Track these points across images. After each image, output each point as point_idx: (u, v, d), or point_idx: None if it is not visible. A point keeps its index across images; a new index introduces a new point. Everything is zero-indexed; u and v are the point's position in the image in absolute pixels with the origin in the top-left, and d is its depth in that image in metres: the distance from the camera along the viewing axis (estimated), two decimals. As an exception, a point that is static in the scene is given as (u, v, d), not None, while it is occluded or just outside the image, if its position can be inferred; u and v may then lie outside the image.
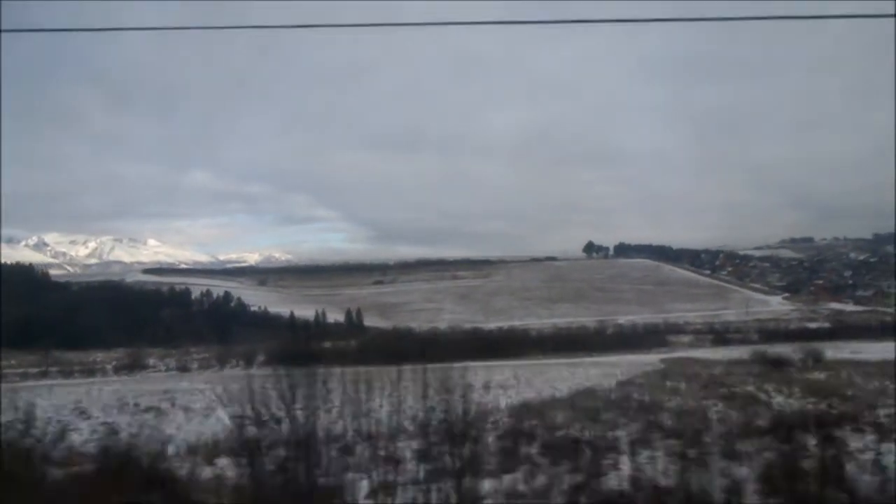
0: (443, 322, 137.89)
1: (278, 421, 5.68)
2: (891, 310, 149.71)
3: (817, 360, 41.69)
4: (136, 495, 5.73)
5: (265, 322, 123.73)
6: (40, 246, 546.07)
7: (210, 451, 9.44)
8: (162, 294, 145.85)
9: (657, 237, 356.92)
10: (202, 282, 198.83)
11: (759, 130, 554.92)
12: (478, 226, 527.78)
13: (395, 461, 5.31)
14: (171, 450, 9.21)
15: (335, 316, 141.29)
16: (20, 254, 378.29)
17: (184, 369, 63.85)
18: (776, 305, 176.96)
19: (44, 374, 52.82)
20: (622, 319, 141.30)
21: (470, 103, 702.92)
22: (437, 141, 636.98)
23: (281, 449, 5.51)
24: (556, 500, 5.83)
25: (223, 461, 7.70)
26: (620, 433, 9.96)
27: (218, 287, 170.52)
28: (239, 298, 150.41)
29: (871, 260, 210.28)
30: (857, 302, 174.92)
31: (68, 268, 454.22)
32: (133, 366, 63.50)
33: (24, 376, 49.96)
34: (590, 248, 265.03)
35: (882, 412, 16.05)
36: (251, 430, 5.64)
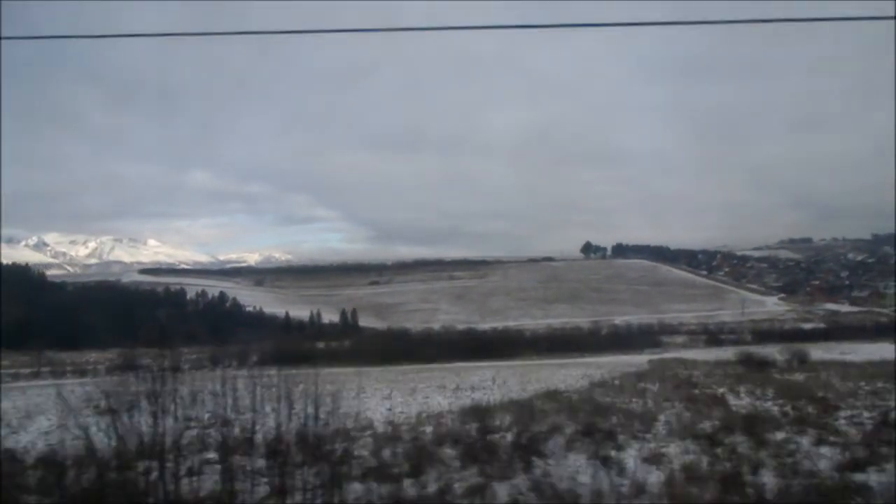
0: (438, 322, 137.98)
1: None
2: (886, 310, 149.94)
3: (802, 362, 41.66)
4: None
5: (260, 322, 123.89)
6: (40, 246, 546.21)
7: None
8: (157, 294, 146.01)
9: (657, 237, 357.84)
10: (199, 282, 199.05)
11: (758, 131, 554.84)
12: (477, 226, 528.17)
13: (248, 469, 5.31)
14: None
15: (330, 316, 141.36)
16: (20, 254, 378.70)
17: (175, 370, 63.96)
18: (772, 306, 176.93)
19: (35, 375, 52.89)
20: (617, 320, 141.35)
21: (470, 103, 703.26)
22: (437, 141, 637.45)
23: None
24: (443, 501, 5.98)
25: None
26: (555, 436, 10.05)
27: (214, 287, 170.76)
28: (234, 299, 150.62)
29: (869, 260, 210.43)
30: (853, 302, 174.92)
31: (68, 268, 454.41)
32: (125, 366, 63.62)
33: (16, 377, 50.01)
34: (587, 248, 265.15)
35: (843, 414, 16.15)
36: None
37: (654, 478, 6.96)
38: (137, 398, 6.45)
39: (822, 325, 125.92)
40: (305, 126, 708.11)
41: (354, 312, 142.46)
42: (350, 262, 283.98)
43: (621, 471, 7.34)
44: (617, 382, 24.81)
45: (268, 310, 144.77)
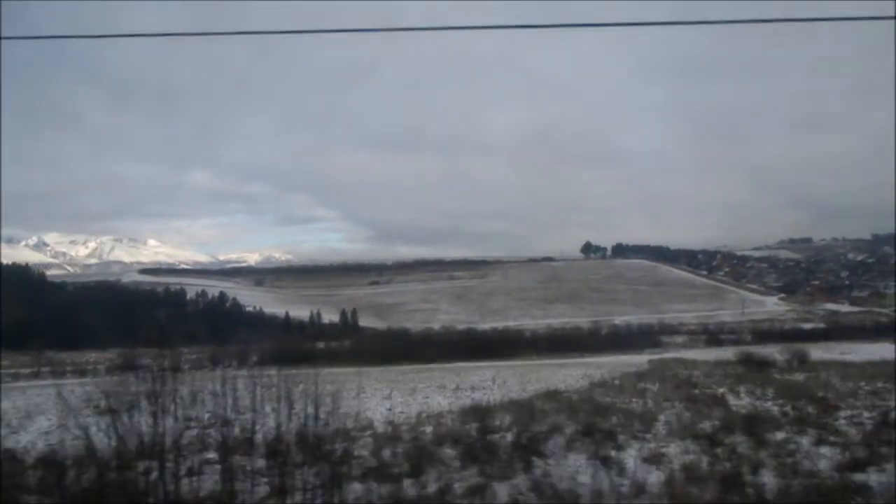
0: (438, 322, 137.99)
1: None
2: (886, 310, 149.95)
3: (802, 362, 41.67)
4: None
5: (260, 322, 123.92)
6: (40, 246, 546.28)
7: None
8: (157, 294, 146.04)
9: (657, 237, 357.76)
10: (199, 282, 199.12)
11: (758, 131, 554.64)
12: (477, 226, 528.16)
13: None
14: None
15: (330, 316, 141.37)
16: (20, 254, 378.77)
17: (175, 370, 64.00)
18: (771, 306, 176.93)
19: (35, 375, 52.91)
20: (617, 320, 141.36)
21: (470, 103, 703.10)
22: (437, 141, 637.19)
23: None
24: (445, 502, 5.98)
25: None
26: (555, 436, 10.05)
27: (214, 287, 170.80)
28: (234, 299, 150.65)
29: (869, 260, 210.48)
30: (853, 302, 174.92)
31: (68, 268, 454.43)
32: (124, 366, 63.64)
33: (16, 377, 50.02)
34: (587, 248, 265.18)
35: (843, 414, 16.16)
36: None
37: (655, 478, 6.96)
38: (137, 398, 6.45)
39: (821, 326, 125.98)
40: (305, 126, 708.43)
41: (354, 312, 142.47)
42: (350, 262, 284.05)
43: (621, 471, 7.35)
44: (617, 382, 24.82)
45: (268, 310, 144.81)
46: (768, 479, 7.17)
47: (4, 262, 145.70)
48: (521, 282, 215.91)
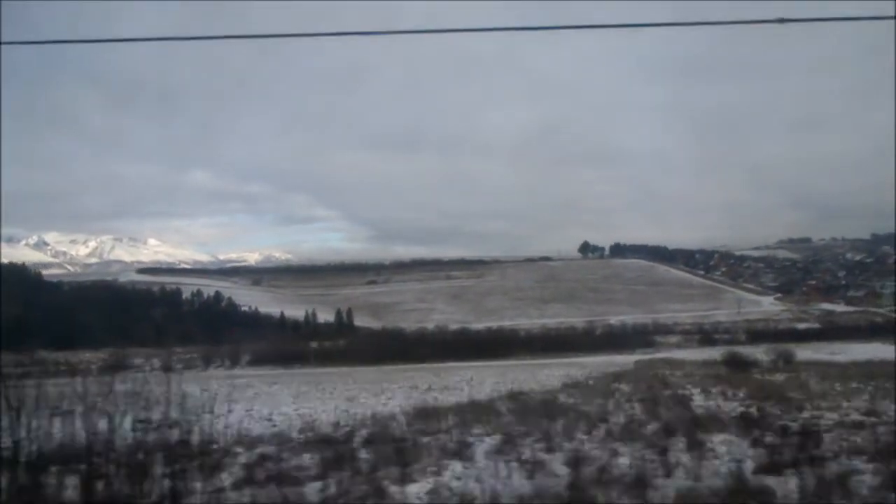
0: (433, 322, 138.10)
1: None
2: (882, 310, 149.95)
3: (787, 362, 41.81)
4: None
5: (255, 322, 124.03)
6: (40, 245, 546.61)
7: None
8: (153, 294, 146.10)
9: (657, 237, 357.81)
10: (197, 282, 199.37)
11: (758, 131, 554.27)
12: (477, 226, 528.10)
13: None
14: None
15: (326, 316, 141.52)
16: (20, 253, 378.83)
17: (167, 369, 64.13)
18: (767, 306, 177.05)
19: (26, 375, 52.98)
20: (613, 320, 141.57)
21: (470, 103, 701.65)
22: (437, 141, 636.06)
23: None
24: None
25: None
26: (490, 437, 10.11)
27: (211, 287, 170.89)
28: (230, 298, 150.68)
29: (867, 260, 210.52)
30: (849, 302, 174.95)
31: (68, 267, 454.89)
32: (117, 366, 63.74)
33: (7, 377, 50.12)
34: (585, 248, 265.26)
35: (805, 415, 16.20)
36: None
37: (562, 480, 7.01)
38: (88, 399, 6.36)
39: (816, 325, 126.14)
40: (305, 126, 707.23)
41: (350, 312, 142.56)
42: (348, 262, 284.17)
43: (533, 473, 7.39)
44: (591, 383, 24.88)
45: (263, 309, 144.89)
46: (679, 481, 7.21)
47: (3, 261, 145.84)
48: (517, 281, 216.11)
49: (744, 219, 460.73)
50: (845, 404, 18.27)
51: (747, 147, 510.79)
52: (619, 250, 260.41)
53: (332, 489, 6.60)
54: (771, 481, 7.20)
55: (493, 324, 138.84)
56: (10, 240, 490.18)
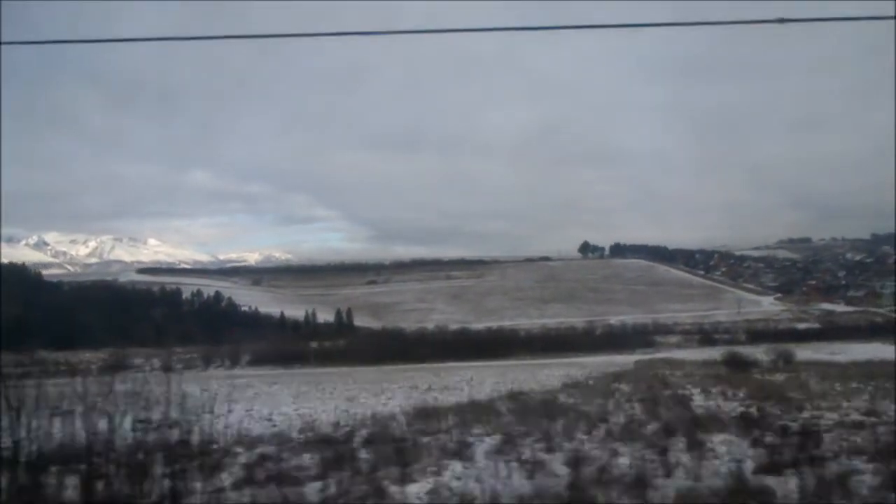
0: (432, 322, 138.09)
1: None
2: (882, 310, 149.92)
3: (787, 362, 41.81)
4: None
5: (255, 322, 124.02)
6: (40, 245, 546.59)
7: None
8: (153, 294, 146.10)
9: (657, 237, 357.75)
10: (196, 281, 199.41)
11: (758, 131, 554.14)
12: (477, 226, 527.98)
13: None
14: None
15: (326, 316, 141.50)
16: (20, 253, 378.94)
17: (167, 369, 64.14)
18: (767, 306, 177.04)
19: (26, 375, 52.98)
20: (613, 320, 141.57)
21: (470, 103, 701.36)
22: (437, 141, 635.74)
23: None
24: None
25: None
26: (490, 437, 10.12)
27: (211, 287, 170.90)
28: (230, 298, 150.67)
29: (867, 260, 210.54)
30: (849, 302, 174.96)
31: (68, 267, 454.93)
32: (117, 366, 63.76)
33: (7, 377, 50.12)
34: (585, 248, 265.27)
35: (805, 415, 16.20)
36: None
37: (562, 480, 7.01)
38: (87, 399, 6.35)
39: (816, 325, 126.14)
40: (305, 126, 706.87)
41: (350, 312, 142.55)
42: (348, 262, 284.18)
43: (533, 473, 7.39)
44: (591, 383, 24.87)
45: (263, 309, 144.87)
46: (679, 481, 7.21)
47: (3, 261, 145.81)
48: (517, 281, 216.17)
49: (744, 219, 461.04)
50: (845, 404, 18.25)
51: (747, 147, 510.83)
52: (619, 250, 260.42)
53: (332, 489, 6.62)
54: (771, 481, 7.19)
55: (493, 324, 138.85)
56: (10, 240, 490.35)
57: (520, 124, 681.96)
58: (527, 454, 8.64)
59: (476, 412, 13.54)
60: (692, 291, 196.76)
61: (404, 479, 6.95)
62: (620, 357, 65.71)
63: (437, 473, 7.42)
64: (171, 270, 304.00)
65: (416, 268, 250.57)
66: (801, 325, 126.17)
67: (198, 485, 5.57)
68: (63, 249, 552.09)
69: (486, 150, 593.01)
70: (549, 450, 9.17)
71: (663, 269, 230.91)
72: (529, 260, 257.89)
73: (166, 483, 5.35)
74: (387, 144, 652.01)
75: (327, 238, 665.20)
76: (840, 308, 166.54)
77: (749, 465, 8.23)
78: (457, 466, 7.81)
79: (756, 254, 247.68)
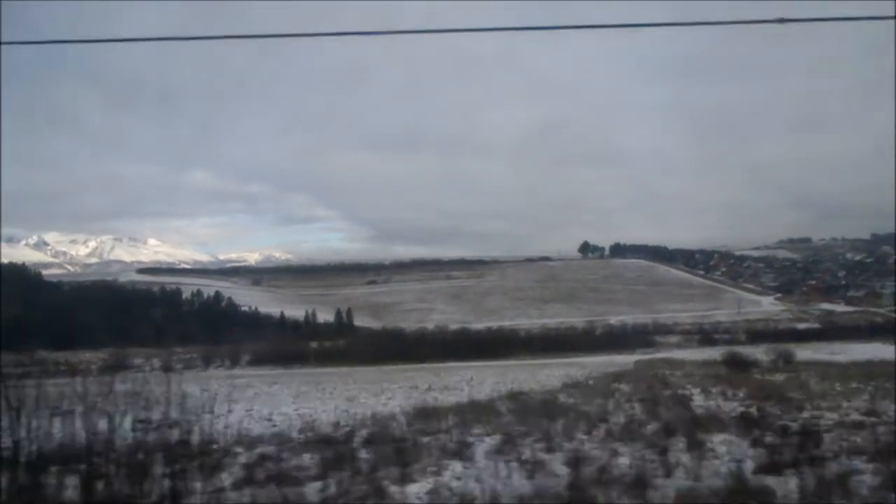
0: (432, 322, 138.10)
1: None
2: (882, 310, 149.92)
3: (787, 362, 41.82)
4: None
5: (255, 322, 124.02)
6: (40, 245, 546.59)
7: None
8: (153, 294, 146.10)
9: (657, 237, 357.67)
10: (197, 281, 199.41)
11: (758, 131, 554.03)
12: (477, 226, 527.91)
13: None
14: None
15: (326, 316, 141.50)
16: (20, 253, 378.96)
17: (167, 369, 64.14)
18: (767, 306, 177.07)
19: (26, 375, 52.98)
20: (613, 320, 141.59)
21: (470, 103, 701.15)
22: (437, 141, 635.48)
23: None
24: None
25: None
26: (491, 437, 10.12)
27: (211, 287, 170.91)
28: (230, 298, 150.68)
29: (867, 260, 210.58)
30: (849, 302, 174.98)
31: (68, 267, 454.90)
32: (117, 366, 63.76)
33: (7, 377, 50.13)
34: (585, 248, 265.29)
35: (805, 415, 16.20)
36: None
37: (562, 480, 7.01)
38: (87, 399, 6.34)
39: (816, 325, 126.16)
40: (305, 126, 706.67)
41: (350, 312, 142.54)
42: (348, 262, 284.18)
43: (533, 473, 7.39)
44: (591, 383, 24.87)
45: (263, 309, 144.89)
46: (679, 481, 7.21)
47: (3, 261, 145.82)
48: (517, 281, 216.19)
49: (744, 219, 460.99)
50: (845, 404, 18.24)
51: (747, 147, 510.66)
52: (619, 250, 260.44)
53: (332, 489, 6.63)
54: (771, 481, 7.19)
55: (493, 324, 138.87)
56: (10, 240, 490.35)
57: (520, 124, 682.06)
58: (527, 454, 8.65)
59: (476, 412, 13.54)
60: (692, 291, 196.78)
61: (404, 479, 6.96)
62: (620, 357, 65.70)
63: (437, 473, 7.43)
64: (171, 270, 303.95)
65: (416, 268, 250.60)
66: (801, 325, 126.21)
67: (198, 485, 5.58)
68: (63, 249, 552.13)
69: (486, 150, 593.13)
70: (549, 450, 9.17)
71: (663, 269, 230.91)
72: (529, 260, 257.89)
73: (166, 483, 5.35)
74: (387, 144, 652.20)
75: (327, 238, 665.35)
76: (840, 308, 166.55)
77: (749, 465, 8.23)
78: (457, 466, 7.83)
79: (756, 254, 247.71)
